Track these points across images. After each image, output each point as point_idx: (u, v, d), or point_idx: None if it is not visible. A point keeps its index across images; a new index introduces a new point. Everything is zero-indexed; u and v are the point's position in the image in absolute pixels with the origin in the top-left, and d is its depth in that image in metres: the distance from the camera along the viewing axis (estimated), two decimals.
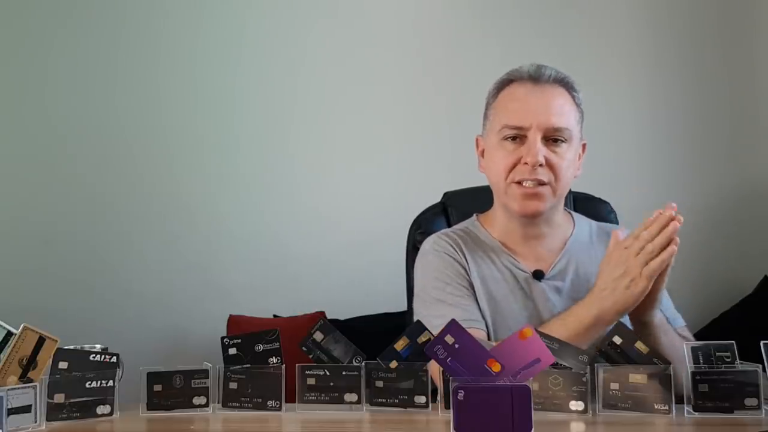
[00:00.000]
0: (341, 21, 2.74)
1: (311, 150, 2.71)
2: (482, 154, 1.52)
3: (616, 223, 1.71)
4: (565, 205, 1.61)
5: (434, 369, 1.17)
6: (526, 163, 1.39)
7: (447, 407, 1.13)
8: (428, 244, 1.54)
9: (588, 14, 2.73)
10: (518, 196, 1.42)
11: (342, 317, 2.41)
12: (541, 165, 1.38)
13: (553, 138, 1.40)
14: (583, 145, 1.50)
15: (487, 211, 1.57)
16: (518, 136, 1.41)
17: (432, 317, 1.35)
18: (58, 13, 2.66)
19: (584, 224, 1.57)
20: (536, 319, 1.40)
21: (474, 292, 1.46)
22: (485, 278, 1.47)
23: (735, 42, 2.73)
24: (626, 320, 1.42)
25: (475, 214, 1.59)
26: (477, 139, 1.54)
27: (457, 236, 1.53)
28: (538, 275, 1.46)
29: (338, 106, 2.72)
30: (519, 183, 1.41)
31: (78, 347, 1.26)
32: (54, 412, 1.16)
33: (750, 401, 1.11)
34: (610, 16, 2.74)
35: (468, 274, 1.47)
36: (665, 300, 1.48)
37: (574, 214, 1.59)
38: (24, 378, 1.14)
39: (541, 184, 1.40)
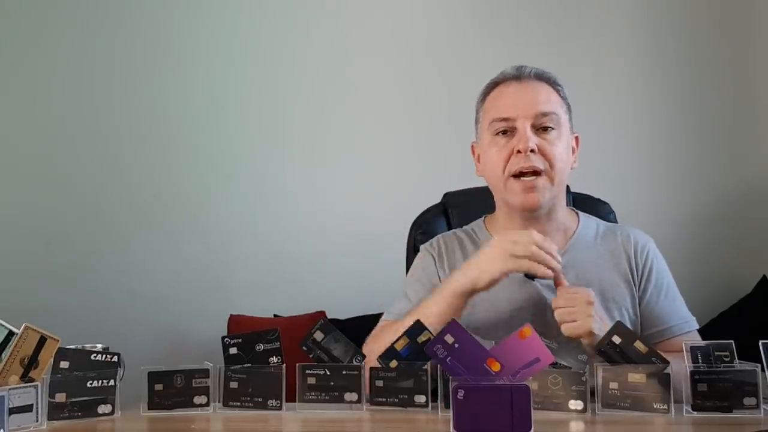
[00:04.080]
0: (340, 22, 2.74)
1: (311, 150, 2.72)
2: (478, 159, 1.55)
3: (616, 223, 1.70)
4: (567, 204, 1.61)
5: None
6: (519, 152, 1.41)
7: (447, 407, 1.13)
8: (429, 241, 1.60)
9: (588, 14, 2.74)
10: (518, 190, 1.43)
11: (342, 317, 2.41)
12: (533, 151, 1.41)
13: (542, 126, 1.43)
14: (576, 138, 1.52)
15: (494, 212, 1.58)
16: (508, 129, 1.44)
17: (393, 305, 1.52)
18: (52, 14, 2.66)
19: (591, 224, 1.56)
20: (528, 320, 1.40)
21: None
22: None
23: (735, 42, 2.73)
24: (626, 321, 1.44)
25: (483, 216, 1.61)
26: (472, 146, 1.57)
27: (456, 238, 1.57)
28: (530, 275, 1.45)
29: (339, 106, 2.72)
30: (517, 177, 1.43)
31: (79, 347, 1.26)
32: (55, 412, 1.16)
33: (748, 400, 1.11)
34: (611, 16, 2.74)
35: (440, 278, 1.51)
36: (674, 305, 1.48)
37: (581, 213, 1.58)
38: (25, 377, 1.15)
39: (537, 173, 1.42)
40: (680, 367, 1.14)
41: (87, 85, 2.66)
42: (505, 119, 1.44)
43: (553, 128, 1.44)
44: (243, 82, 2.71)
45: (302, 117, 2.72)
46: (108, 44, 2.68)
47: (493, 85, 1.51)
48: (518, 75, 1.48)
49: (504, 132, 1.45)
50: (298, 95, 2.72)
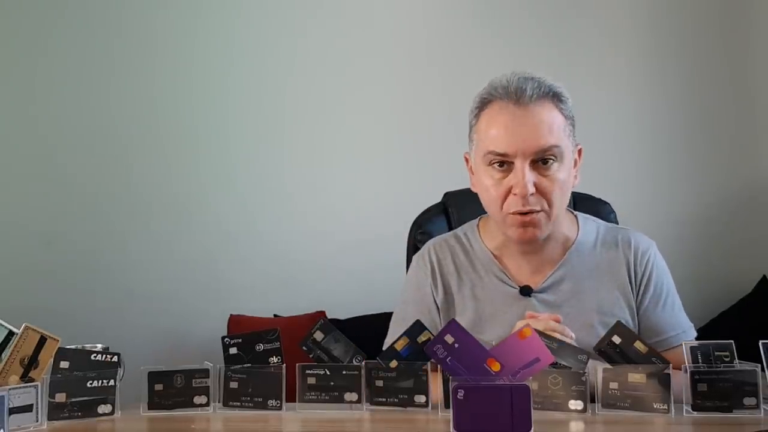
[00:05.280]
0: (340, 22, 2.74)
1: (311, 150, 2.71)
2: (471, 171, 1.48)
3: (617, 223, 1.69)
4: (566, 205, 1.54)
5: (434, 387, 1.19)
6: (515, 194, 1.34)
7: (447, 407, 1.13)
8: (421, 251, 1.55)
9: (588, 14, 2.73)
10: (515, 225, 1.37)
11: (342, 317, 2.41)
12: (532, 194, 1.33)
13: (542, 159, 1.35)
14: (579, 151, 1.44)
15: (489, 216, 1.51)
16: (505, 162, 1.36)
17: (390, 332, 1.48)
18: (52, 14, 2.66)
19: (591, 229, 1.50)
20: None
21: (437, 311, 1.48)
22: (473, 297, 1.46)
23: (736, 43, 2.73)
24: (627, 322, 1.43)
25: (478, 218, 1.55)
26: (465, 157, 1.49)
27: (448, 247, 1.52)
28: (525, 291, 1.43)
29: (338, 105, 2.72)
30: (513, 213, 1.37)
31: (79, 347, 1.26)
32: (55, 412, 1.17)
33: (748, 400, 1.11)
34: (611, 16, 2.74)
35: (435, 296, 1.48)
36: (673, 313, 1.45)
37: (580, 216, 1.52)
38: (25, 377, 1.15)
39: (536, 212, 1.36)
40: (678, 387, 1.14)
41: (86, 85, 2.66)
42: (501, 155, 1.35)
43: (555, 160, 1.35)
44: (243, 82, 2.71)
45: (302, 117, 2.71)
46: (107, 44, 2.68)
47: (488, 100, 1.39)
48: (518, 97, 1.34)
49: (500, 164, 1.36)
50: (298, 95, 2.72)
